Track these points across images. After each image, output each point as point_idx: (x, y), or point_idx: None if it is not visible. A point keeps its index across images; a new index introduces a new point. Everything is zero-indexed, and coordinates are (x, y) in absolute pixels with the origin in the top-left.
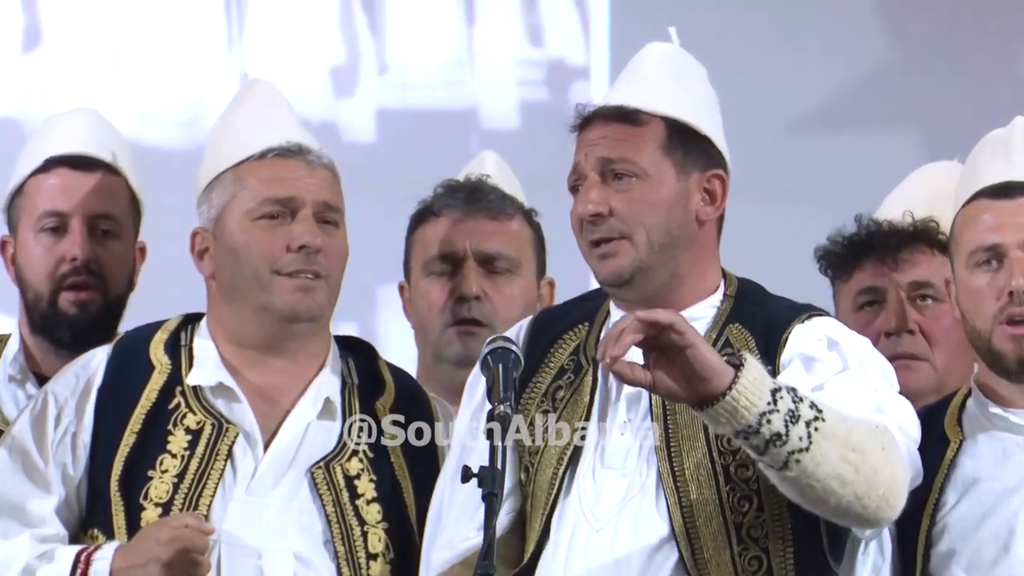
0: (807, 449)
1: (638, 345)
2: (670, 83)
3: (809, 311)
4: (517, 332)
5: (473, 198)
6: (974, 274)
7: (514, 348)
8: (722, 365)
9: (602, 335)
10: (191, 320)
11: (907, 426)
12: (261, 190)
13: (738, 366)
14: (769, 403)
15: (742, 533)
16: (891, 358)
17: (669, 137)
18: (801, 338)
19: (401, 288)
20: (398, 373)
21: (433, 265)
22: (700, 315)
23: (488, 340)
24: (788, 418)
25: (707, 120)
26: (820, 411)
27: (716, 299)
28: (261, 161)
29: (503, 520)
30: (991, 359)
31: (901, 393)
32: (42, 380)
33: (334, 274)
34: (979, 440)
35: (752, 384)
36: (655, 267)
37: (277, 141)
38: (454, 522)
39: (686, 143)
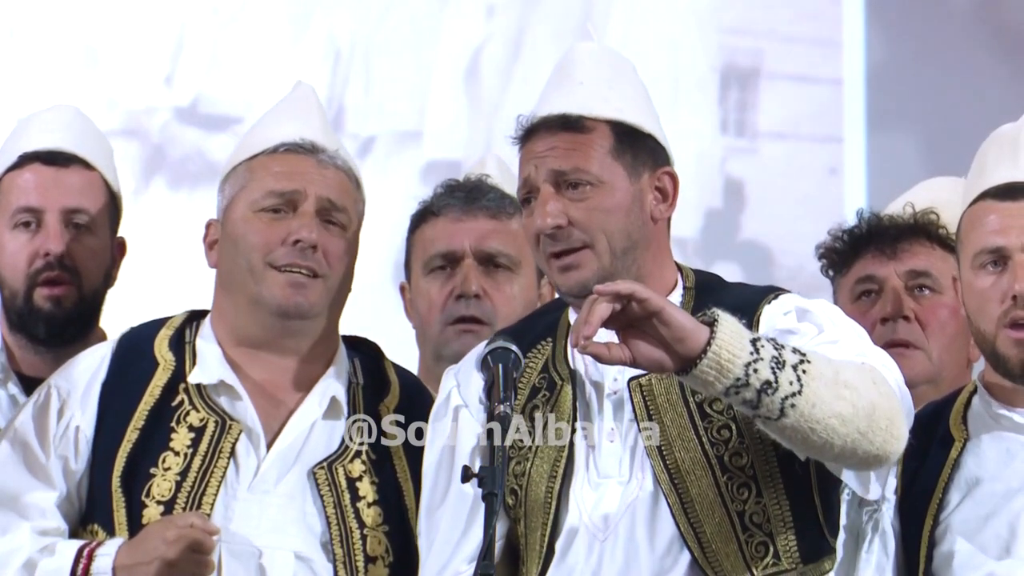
0: (800, 392)
1: (607, 327)
2: (606, 85)
3: (774, 291)
4: (476, 358)
5: (472, 197)
6: (978, 276)
7: (514, 348)
8: (695, 323)
9: (568, 346)
10: (196, 317)
11: (890, 366)
12: (267, 182)
13: (712, 323)
14: (752, 352)
15: (745, 521)
16: (886, 345)
17: (617, 141)
18: (771, 316)
19: (402, 288)
20: (403, 374)
21: (433, 264)
22: None
23: (487, 341)
24: (774, 364)
25: (648, 117)
26: (804, 354)
27: (677, 294)
28: (272, 155)
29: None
30: (995, 361)
31: None
32: (23, 379)
33: (333, 274)
34: (983, 440)
35: (730, 336)
36: (618, 272)
37: (291, 136)
38: (439, 552)
39: (634, 145)
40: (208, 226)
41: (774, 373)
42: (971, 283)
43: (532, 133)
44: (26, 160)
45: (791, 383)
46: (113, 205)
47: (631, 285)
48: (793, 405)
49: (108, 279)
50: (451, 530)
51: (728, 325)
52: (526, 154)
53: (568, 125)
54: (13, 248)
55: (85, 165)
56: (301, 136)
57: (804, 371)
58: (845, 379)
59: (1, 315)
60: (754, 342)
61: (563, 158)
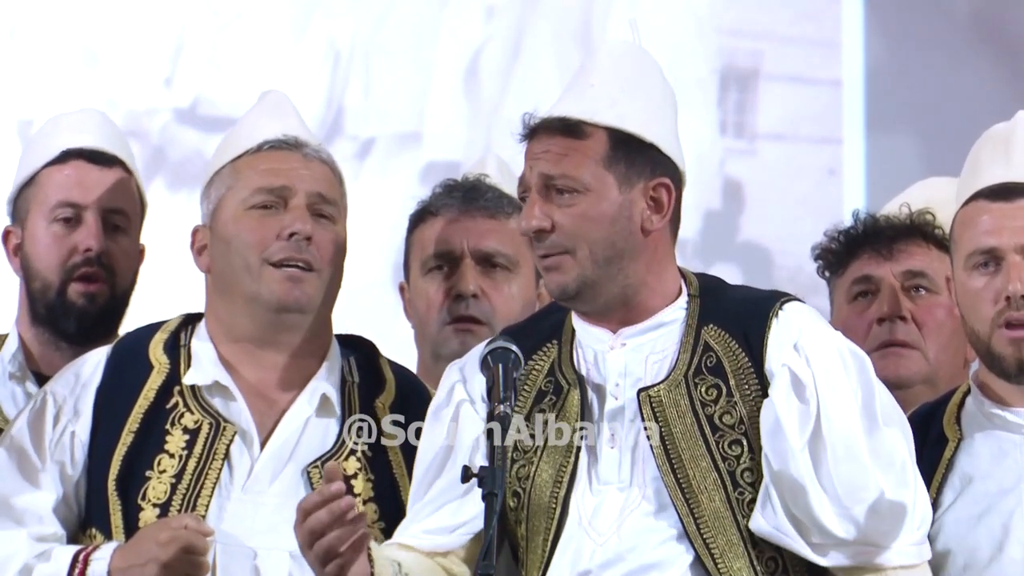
0: None
1: None
2: (617, 89)
3: (779, 298)
4: (479, 356)
5: (470, 197)
6: (972, 276)
7: (514, 348)
8: None
9: (573, 352)
10: (191, 320)
11: (920, 521)
12: (255, 180)
13: None
14: None
15: (756, 536)
16: (882, 345)
17: (612, 149)
18: (782, 338)
19: (401, 288)
20: (399, 370)
21: (431, 264)
22: (670, 319)
23: (487, 341)
24: None
25: (654, 125)
26: None
27: (682, 301)
28: (257, 154)
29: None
30: (990, 361)
31: (890, 380)
32: (41, 378)
33: (327, 268)
34: (976, 439)
35: None
36: (601, 281)
37: (273, 134)
38: (413, 518)
39: (629, 153)
40: (195, 232)
41: None
42: (964, 283)
43: (535, 132)
44: (68, 156)
45: None
46: (142, 210)
47: None
48: None
49: (134, 282)
50: (431, 505)
51: None
52: (527, 153)
53: (566, 129)
54: (48, 241)
55: (124, 168)
56: (284, 133)
57: None
58: None
59: (22, 312)
60: None
61: (554, 163)
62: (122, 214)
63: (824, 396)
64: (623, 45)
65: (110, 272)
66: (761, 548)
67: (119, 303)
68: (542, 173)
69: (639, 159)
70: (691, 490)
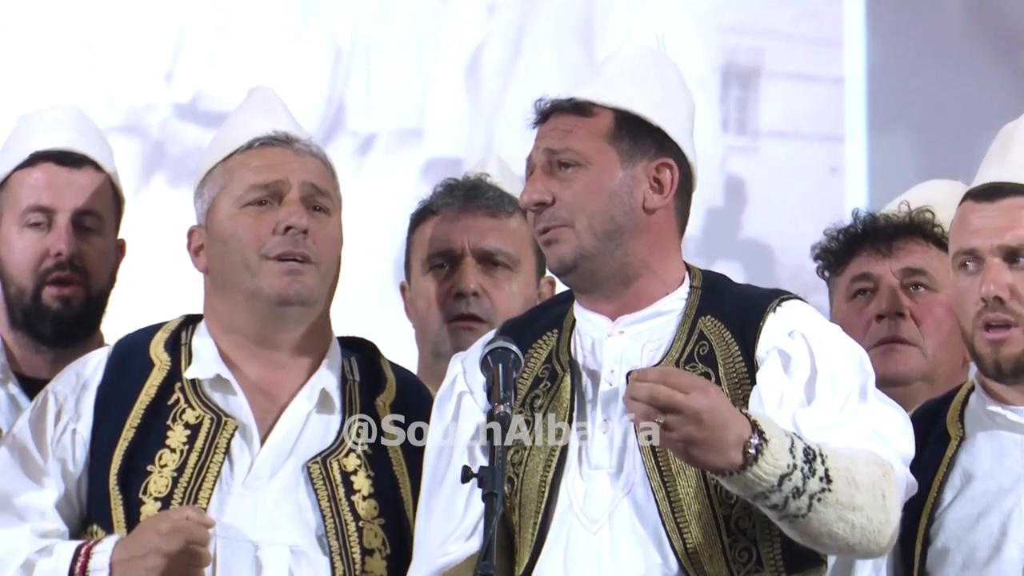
0: (803, 516)
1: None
2: (627, 77)
3: (780, 295)
4: (483, 348)
5: (471, 196)
6: (959, 276)
7: (514, 348)
8: (726, 460)
9: (571, 340)
10: (192, 320)
11: (904, 447)
12: (248, 177)
13: (750, 453)
14: (773, 487)
15: (731, 525)
16: (881, 341)
17: (616, 126)
18: (776, 328)
19: (403, 288)
20: (400, 371)
21: (432, 262)
22: (669, 308)
23: (487, 342)
24: (792, 493)
25: (662, 111)
26: (830, 482)
27: (683, 291)
28: (248, 151)
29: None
30: (975, 360)
31: (889, 377)
32: (23, 380)
33: (325, 260)
34: (978, 438)
35: (764, 474)
36: (600, 254)
37: (263, 131)
38: (433, 534)
39: (634, 133)
40: (191, 233)
41: (786, 502)
42: (955, 283)
43: (546, 117)
44: (37, 159)
45: (799, 508)
46: (117, 206)
47: (670, 396)
48: (790, 522)
49: (112, 280)
50: (445, 512)
51: (766, 466)
52: (536, 136)
53: (574, 108)
54: (22, 246)
55: (95, 167)
56: (273, 129)
57: (820, 499)
58: (858, 502)
59: (1, 315)
60: (783, 477)
61: (558, 138)
62: (94, 215)
63: (820, 370)
64: (642, 47)
65: (84, 274)
66: (736, 537)
67: (96, 304)
68: (547, 148)
69: (644, 139)
70: (669, 474)
